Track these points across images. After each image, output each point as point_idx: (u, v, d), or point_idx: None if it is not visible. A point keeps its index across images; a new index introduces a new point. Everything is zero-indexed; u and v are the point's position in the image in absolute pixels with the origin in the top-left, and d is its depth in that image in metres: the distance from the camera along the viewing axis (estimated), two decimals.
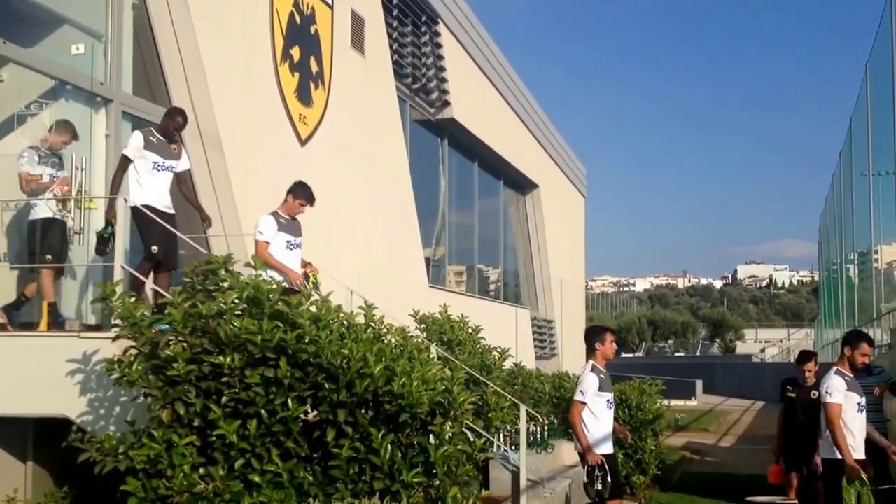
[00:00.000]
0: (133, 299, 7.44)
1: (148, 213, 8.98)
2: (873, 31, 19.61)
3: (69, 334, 8.35)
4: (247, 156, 12.21)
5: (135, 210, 9.01)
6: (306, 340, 6.95)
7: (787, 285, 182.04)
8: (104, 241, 8.85)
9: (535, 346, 26.53)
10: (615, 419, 9.74)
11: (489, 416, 11.05)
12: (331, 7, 14.80)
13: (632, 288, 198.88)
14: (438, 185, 21.43)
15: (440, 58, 19.84)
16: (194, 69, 11.53)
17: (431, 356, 8.67)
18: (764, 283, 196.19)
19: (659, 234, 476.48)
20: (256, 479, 6.85)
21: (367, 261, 15.03)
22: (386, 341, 7.86)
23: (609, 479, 9.01)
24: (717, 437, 25.55)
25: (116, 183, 9.25)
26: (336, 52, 14.88)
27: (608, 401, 9.38)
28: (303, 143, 13.79)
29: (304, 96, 13.89)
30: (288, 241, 9.89)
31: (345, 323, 7.48)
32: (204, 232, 10.42)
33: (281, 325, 7.06)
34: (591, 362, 9.45)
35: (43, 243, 9.20)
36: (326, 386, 6.90)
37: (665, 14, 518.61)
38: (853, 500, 8.58)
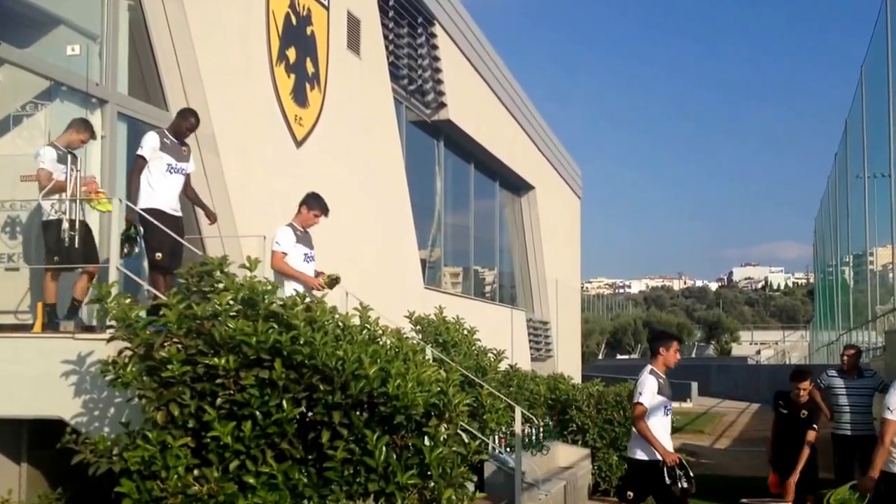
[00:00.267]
0: (128, 300, 7.43)
1: (152, 219, 8.92)
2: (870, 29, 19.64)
3: (64, 335, 8.31)
4: (242, 157, 12.21)
5: (141, 214, 8.97)
6: (301, 342, 6.94)
7: (782, 287, 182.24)
8: (131, 241, 8.81)
9: (531, 348, 26.54)
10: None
11: (484, 417, 11.06)
12: (327, 8, 14.81)
13: (627, 289, 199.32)
14: (434, 186, 21.44)
15: (436, 59, 19.84)
16: (190, 70, 11.52)
17: (427, 358, 8.66)
18: (759, 285, 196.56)
19: (655, 235, 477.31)
20: (251, 480, 6.84)
21: (363, 262, 15.02)
22: (381, 343, 7.85)
23: (691, 474, 8.88)
24: (713, 439, 25.57)
25: (135, 185, 9.19)
26: (332, 54, 14.89)
27: (666, 406, 9.18)
28: (298, 144, 13.79)
29: (300, 97, 13.88)
30: (305, 254, 9.92)
31: (340, 324, 7.48)
32: (200, 232, 10.42)
33: (276, 326, 7.05)
34: (649, 366, 9.24)
35: (51, 244, 9.02)
36: (321, 387, 6.89)
37: (661, 11, 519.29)
38: None
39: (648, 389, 9.02)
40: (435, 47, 19.80)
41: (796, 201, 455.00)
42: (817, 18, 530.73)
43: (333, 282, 10.01)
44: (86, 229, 9.09)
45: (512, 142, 25.54)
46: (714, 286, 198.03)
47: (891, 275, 21.89)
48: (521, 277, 28.21)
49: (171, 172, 9.35)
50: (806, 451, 10.90)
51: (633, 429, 9.21)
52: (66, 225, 8.95)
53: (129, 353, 7.25)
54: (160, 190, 9.25)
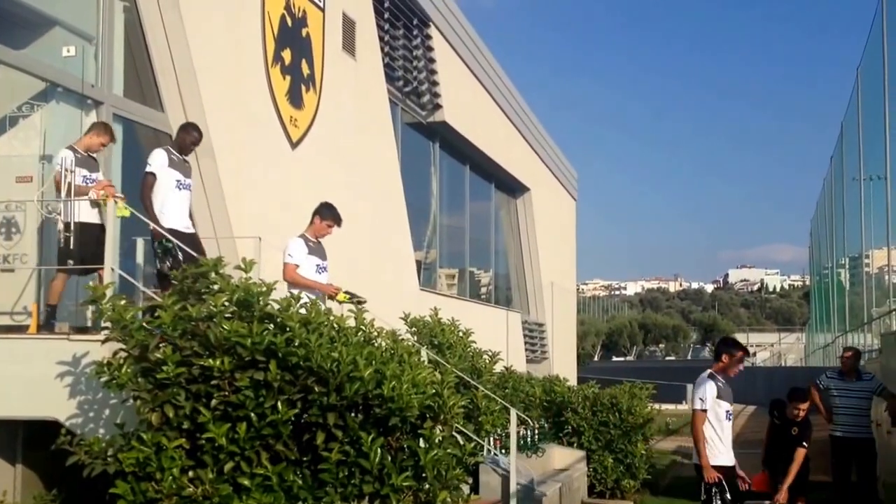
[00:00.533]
0: (123, 302, 7.42)
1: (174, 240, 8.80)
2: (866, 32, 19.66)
3: (59, 336, 8.32)
4: (237, 158, 12.21)
5: (157, 233, 8.84)
6: (296, 343, 6.94)
7: (778, 289, 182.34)
8: (168, 252, 8.72)
9: (526, 350, 26.55)
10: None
11: (479, 419, 11.05)
12: (322, 10, 14.81)
13: (623, 291, 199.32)
14: (430, 188, 21.44)
15: (431, 61, 19.86)
16: (185, 71, 11.52)
17: (422, 359, 8.67)
18: (755, 287, 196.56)
19: (650, 237, 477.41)
20: (246, 482, 6.84)
21: (358, 263, 15.02)
22: (376, 344, 7.85)
23: (727, 495, 8.69)
24: None
25: (149, 203, 9.07)
26: (327, 55, 14.89)
27: (727, 411, 8.98)
28: (293, 145, 13.79)
29: (296, 99, 13.89)
30: (317, 265, 9.85)
31: (335, 326, 7.48)
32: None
33: (271, 327, 7.06)
34: (709, 370, 9.01)
35: (68, 247, 8.90)
36: (316, 389, 6.89)
37: (657, 13, 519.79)
38: None
39: (710, 395, 8.82)
40: (430, 49, 19.81)
41: (792, 203, 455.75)
42: (814, 21, 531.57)
43: (354, 301, 9.71)
44: (101, 231, 9.05)
45: (507, 143, 25.56)
46: (710, 288, 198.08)
47: (886, 277, 21.89)
48: (516, 279, 28.21)
49: (179, 188, 9.29)
50: (795, 467, 10.92)
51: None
52: (60, 226, 8.95)
53: (123, 354, 7.26)
54: (171, 208, 9.17)
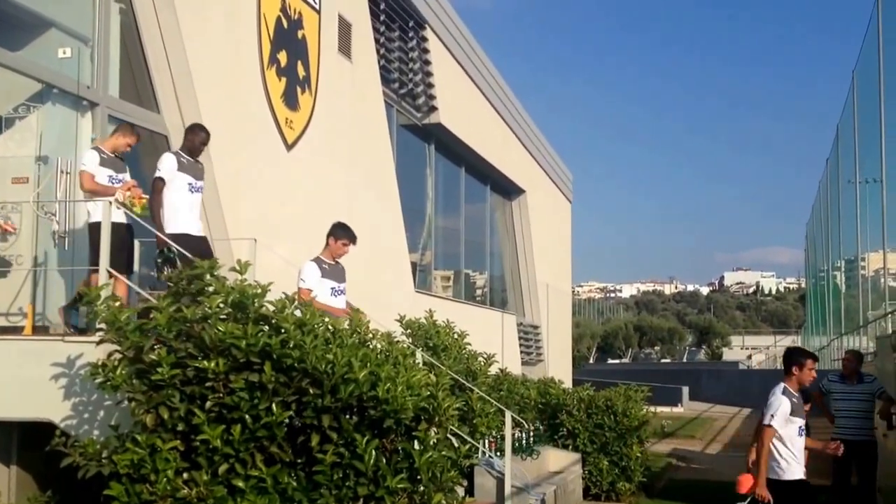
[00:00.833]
0: (118, 303, 7.42)
1: (179, 247, 8.72)
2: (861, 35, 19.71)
3: (53, 338, 8.31)
4: (233, 160, 12.20)
5: (169, 239, 8.78)
6: (291, 345, 6.94)
7: (773, 292, 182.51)
8: (171, 262, 8.67)
9: (521, 352, 26.54)
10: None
11: (474, 421, 11.06)
12: (318, 12, 14.81)
13: (618, 294, 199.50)
14: (425, 189, 21.45)
15: (427, 63, 19.87)
16: (181, 73, 11.52)
17: (416, 361, 8.65)
18: (751, 290, 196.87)
19: (646, 240, 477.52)
20: (240, 484, 6.84)
21: (353, 265, 14.99)
22: (371, 346, 7.86)
23: None
24: (704, 443, 25.56)
25: (157, 210, 9.03)
26: (323, 57, 14.89)
27: (800, 427, 8.75)
28: (289, 147, 13.78)
29: (291, 101, 13.88)
30: (332, 288, 9.72)
31: (330, 328, 7.48)
32: None
33: (265, 329, 7.06)
34: (782, 384, 8.80)
35: (96, 246, 8.74)
36: (311, 391, 6.89)
37: (652, 17, 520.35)
38: None
39: (781, 413, 8.63)
40: (426, 51, 19.82)
41: (788, 206, 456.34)
42: (809, 24, 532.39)
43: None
44: (126, 232, 9.01)
45: (503, 145, 25.57)
46: (705, 291, 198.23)
47: (882, 280, 21.93)
48: (511, 281, 28.22)
49: (191, 192, 9.25)
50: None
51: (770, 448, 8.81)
52: (55, 227, 8.95)
53: (118, 355, 7.25)
54: (184, 211, 9.13)
